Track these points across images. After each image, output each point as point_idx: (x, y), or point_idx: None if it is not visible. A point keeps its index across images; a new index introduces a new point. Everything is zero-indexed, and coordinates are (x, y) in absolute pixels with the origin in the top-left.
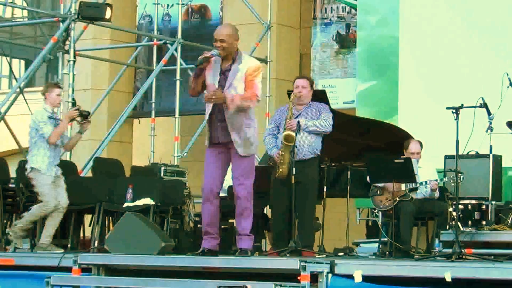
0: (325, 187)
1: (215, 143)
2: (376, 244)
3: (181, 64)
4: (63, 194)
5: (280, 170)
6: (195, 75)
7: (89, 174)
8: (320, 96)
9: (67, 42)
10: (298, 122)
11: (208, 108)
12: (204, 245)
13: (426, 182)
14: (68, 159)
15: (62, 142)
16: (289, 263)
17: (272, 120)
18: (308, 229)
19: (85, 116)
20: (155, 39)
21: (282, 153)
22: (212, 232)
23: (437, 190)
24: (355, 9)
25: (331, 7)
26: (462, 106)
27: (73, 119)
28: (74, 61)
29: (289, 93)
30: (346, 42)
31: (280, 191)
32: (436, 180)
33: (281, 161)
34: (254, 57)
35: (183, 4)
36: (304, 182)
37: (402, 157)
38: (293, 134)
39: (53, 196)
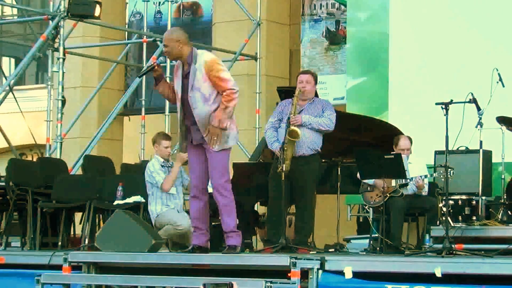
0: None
1: (194, 144)
2: (367, 240)
3: (171, 62)
4: (185, 218)
5: (284, 165)
6: (154, 84)
7: (79, 172)
8: None
9: (57, 40)
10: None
11: (180, 114)
12: (194, 242)
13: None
14: (58, 157)
15: (183, 184)
16: (279, 259)
17: (274, 113)
18: (308, 226)
19: None
20: (145, 36)
21: (286, 148)
22: (202, 227)
23: (424, 187)
24: (345, 5)
25: (320, 3)
26: (451, 102)
27: (186, 163)
28: (64, 59)
29: (279, 90)
30: (336, 38)
31: (279, 186)
32: (421, 177)
33: (285, 157)
34: (244, 54)
35: (173, 1)
36: (304, 178)
37: (392, 153)
38: (298, 129)
39: (178, 216)
